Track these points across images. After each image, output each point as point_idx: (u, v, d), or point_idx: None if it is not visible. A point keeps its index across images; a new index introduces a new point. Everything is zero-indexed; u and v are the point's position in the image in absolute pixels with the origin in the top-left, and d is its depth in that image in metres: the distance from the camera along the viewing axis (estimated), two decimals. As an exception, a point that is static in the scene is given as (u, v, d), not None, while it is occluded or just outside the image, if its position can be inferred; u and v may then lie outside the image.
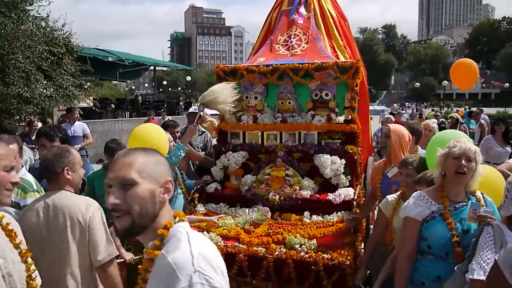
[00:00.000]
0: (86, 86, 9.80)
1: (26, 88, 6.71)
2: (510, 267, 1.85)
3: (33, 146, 4.38)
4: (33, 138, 5.82)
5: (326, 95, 4.68)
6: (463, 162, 2.56)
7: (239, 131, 4.77)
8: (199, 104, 4.67)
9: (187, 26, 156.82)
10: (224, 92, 4.41)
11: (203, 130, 6.47)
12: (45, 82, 7.52)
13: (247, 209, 4.09)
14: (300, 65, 4.57)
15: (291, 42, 5.03)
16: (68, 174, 2.57)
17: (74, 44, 9.23)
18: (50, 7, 8.27)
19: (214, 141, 5.55)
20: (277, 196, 4.16)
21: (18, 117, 7.01)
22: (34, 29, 7.52)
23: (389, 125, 4.10)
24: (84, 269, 2.47)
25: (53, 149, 2.69)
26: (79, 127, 8.12)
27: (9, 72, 6.38)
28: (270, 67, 4.62)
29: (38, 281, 1.99)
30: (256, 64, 4.79)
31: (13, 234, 1.91)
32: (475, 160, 2.59)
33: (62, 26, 8.89)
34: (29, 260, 1.94)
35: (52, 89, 7.82)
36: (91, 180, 4.03)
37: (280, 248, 3.37)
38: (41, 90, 7.21)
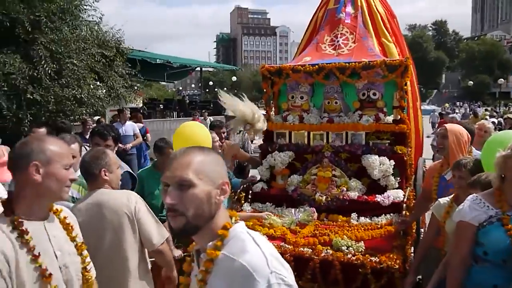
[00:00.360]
0: (135, 88, 10.13)
1: (80, 90, 7.03)
2: None
3: (87, 144, 4.57)
4: (87, 137, 6.09)
5: (374, 94, 4.58)
6: None
7: (285, 131, 4.76)
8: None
9: (233, 26, 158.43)
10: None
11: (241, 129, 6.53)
12: (98, 84, 7.86)
13: (293, 209, 4.08)
14: (347, 64, 4.50)
15: (338, 41, 4.96)
16: (105, 175, 2.65)
17: (124, 47, 9.57)
18: (102, 10, 8.64)
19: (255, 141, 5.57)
20: (324, 197, 4.11)
21: (72, 117, 7.35)
22: (88, 33, 7.86)
23: (445, 125, 3.92)
24: (137, 257, 2.57)
25: (90, 152, 2.79)
26: (130, 127, 8.42)
27: (65, 74, 6.71)
28: (316, 66, 4.58)
29: (93, 272, 2.07)
30: (301, 63, 4.77)
31: (70, 228, 2.00)
32: None
33: (111, 29, 9.26)
34: (85, 252, 2.03)
35: (104, 90, 8.15)
36: (140, 177, 4.16)
37: (326, 250, 3.33)
38: (94, 91, 7.53)
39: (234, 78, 55.98)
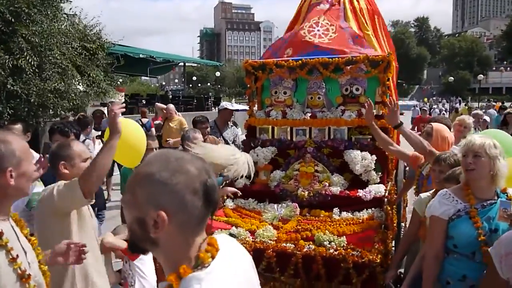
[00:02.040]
0: (119, 82, 10.00)
1: (62, 83, 6.93)
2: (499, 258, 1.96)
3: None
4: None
5: (357, 89, 4.60)
6: (470, 158, 2.51)
7: (268, 127, 4.75)
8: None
9: (217, 21, 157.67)
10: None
11: (232, 124, 6.52)
12: (79, 77, 7.73)
13: (275, 205, 4.07)
14: (330, 59, 4.50)
15: (318, 30, 4.94)
16: (65, 168, 2.60)
17: (105, 40, 9.44)
18: (82, 4, 8.50)
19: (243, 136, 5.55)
20: (306, 192, 4.12)
21: (53, 112, 7.22)
22: (69, 26, 7.73)
23: (432, 124, 4.00)
24: None
25: (56, 145, 2.76)
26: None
27: (46, 68, 6.59)
28: (300, 61, 4.57)
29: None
30: (285, 58, 4.75)
31: (22, 224, 1.96)
32: (486, 155, 2.47)
33: (91, 20, 9.13)
34: (38, 246, 1.99)
35: (86, 85, 8.03)
36: (124, 175, 4.12)
37: (309, 245, 3.34)
38: (76, 85, 7.42)
39: (218, 74, 55.80)
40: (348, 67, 4.48)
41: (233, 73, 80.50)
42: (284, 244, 3.38)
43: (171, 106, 8.87)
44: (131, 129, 3.69)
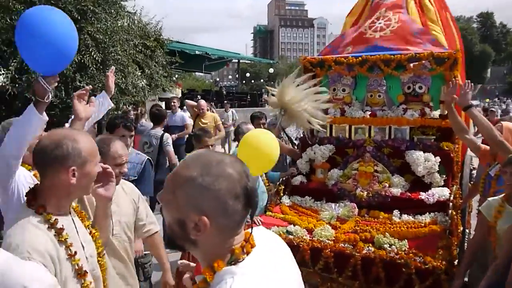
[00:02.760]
0: (174, 78, 10.24)
1: (123, 79, 7.18)
2: None
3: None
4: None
5: (420, 88, 4.41)
6: None
7: (326, 124, 4.67)
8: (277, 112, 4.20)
9: (270, 18, 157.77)
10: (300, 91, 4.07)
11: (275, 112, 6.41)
12: (139, 73, 7.99)
13: (333, 204, 4.00)
14: (392, 56, 4.35)
15: (380, 23, 4.78)
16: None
17: (164, 38, 9.70)
18: (141, 2, 8.76)
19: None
20: (365, 192, 4.01)
21: (115, 106, 7.52)
22: (131, 24, 8.01)
23: (502, 122, 3.76)
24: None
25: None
26: (179, 117, 8.27)
27: (109, 64, 6.86)
28: (360, 58, 4.45)
29: (106, 258, 2.12)
30: (344, 55, 4.65)
31: (83, 216, 2.02)
32: None
33: (151, 20, 9.40)
34: (98, 238, 2.03)
35: (145, 80, 8.27)
36: None
37: (368, 247, 3.24)
38: (136, 81, 7.65)
39: (271, 70, 55.85)
40: (411, 64, 4.31)
41: (286, 70, 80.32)
42: (342, 245, 3.31)
43: (203, 102, 8.52)
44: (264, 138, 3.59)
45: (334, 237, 3.43)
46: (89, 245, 1.92)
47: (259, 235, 1.29)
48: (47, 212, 1.76)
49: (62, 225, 1.77)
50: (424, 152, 4.06)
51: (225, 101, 17.15)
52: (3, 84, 6.64)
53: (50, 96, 2.38)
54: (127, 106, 8.00)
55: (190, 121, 8.41)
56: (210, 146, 4.53)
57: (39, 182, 1.89)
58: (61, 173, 1.74)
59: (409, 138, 4.30)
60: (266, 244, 1.29)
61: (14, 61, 6.00)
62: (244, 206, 1.17)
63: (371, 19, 4.90)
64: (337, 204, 4.00)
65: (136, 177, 3.64)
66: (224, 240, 1.19)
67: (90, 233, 1.97)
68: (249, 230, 1.24)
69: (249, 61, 58.81)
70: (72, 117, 2.76)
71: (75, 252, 1.78)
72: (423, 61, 4.26)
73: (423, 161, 4.01)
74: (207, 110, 8.30)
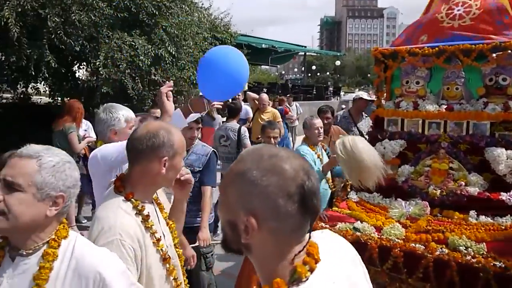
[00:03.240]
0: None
1: (195, 71, 7.48)
2: None
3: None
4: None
5: (504, 79, 4.08)
6: None
7: (397, 118, 4.48)
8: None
9: (338, 9, 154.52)
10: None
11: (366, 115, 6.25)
12: None
13: (403, 202, 3.83)
14: (473, 45, 4.05)
15: (459, 10, 4.47)
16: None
17: (233, 31, 9.88)
18: None
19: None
20: (438, 191, 3.80)
21: (186, 99, 7.79)
22: (202, 18, 8.26)
23: None
24: None
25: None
26: (244, 110, 8.24)
27: (181, 57, 7.14)
28: (436, 48, 4.20)
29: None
30: (419, 46, 4.41)
31: (162, 206, 2.07)
32: None
33: (221, 14, 9.61)
34: (175, 229, 2.09)
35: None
36: None
37: (441, 248, 3.07)
38: None
39: (338, 63, 54.79)
40: (494, 55, 3.99)
41: (353, 62, 78.38)
42: (413, 245, 3.15)
43: (265, 96, 8.30)
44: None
45: (404, 236, 3.29)
46: (168, 235, 1.98)
47: (323, 245, 1.13)
48: (135, 199, 1.83)
49: (148, 212, 1.84)
50: (506, 149, 3.76)
51: (288, 95, 16.03)
52: (86, 78, 7.11)
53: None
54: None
55: (252, 115, 8.43)
56: (273, 139, 4.52)
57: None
58: (153, 162, 1.81)
59: (489, 134, 4.00)
60: (332, 255, 1.13)
61: (98, 57, 6.38)
62: (300, 209, 1.01)
63: (448, 4, 4.59)
64: (408, 202, 3.82)
65: (200, 168, 3.72)
66: (281, 250, 1.05)
67: (167, 224, 2.03)
68: (312, 239, 1.10)
69: (315, 54, 58.14)
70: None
71: (160, 238, 1.85)
72: (509, 51, 3.94)
73: (505, 159, 3.72)
74: (268, 105, 8.09)
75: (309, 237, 1.09)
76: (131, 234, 1.72)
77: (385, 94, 4.78)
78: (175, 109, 2.57)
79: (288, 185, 1.01)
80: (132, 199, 1.82)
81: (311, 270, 1.04)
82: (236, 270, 4.26)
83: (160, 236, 1.87)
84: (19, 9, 5.67)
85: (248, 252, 1.09)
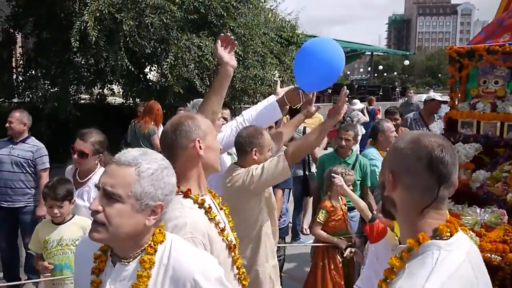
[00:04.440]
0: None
1: (261, 70, 7.58)
2: None
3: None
4: None
5: None
6: None
7: (472, 120, 4.23)
8: None
9: (407, 7, 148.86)
10: None
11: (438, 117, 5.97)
12: (276, 63, 8.32)
13: (478, 209, 3.61)
14: (561, 42, 3.74)
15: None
16: (255, 155, 2.71)
17: (299, 33, 9.91)
18: None
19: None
20: (518, 199, 3.55)
21: (252, 97, 7.93)
22: (270, 18, 8.37)
23: None
24: None
25: (247, 128, 2.82)
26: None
27: (248, 56, 7.29)
28: (519, 46, 3.92)
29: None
30: (499, 43, 4.14)
31: (215, 196, 2.09)
32: None
33: (288, 15, 9.67)
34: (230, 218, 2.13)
35: (281, 71, 8.57)
36: (321, 161, 4.27)
37: (520, 260, 2.87)
38: (272, 72, 7.99)
39: (406, 62, 52.73)
40: None
41: (423, 61, 75.13)
42: (489, 255, 2.97)
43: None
44: None
45: (478, 245, 3.10)
46: (226, 222, 2.02)
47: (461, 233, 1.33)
48: (194, 194, 1.88)
49: (209, 204, 1.89)
50: None
51: (349, 96, 16.20)
52: (157, 79, 7.44)
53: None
54: (260, 99, 8.40)
55: None
56: (345, 141, 4.45)
57: None
58: (189, 148, 1.86)
59: None
60: (468, 240, 1.34)
61: (167, 59, 6.66)
62: (427, 171, 1.25)
63: None
64: (483, 209, 3.60)
65: None
66: (416, 206, 1.28)
67: (221, 209, 2.07)
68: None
69: (382, 53, 56.47)
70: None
71: (224, 227, 1.90)
72: None
73: None
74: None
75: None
76: (200, 229, 1.77)
77: (459, 95, 4.54)
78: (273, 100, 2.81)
79: (420, 150, 1.27)
80: (191, 195, 1.86)
81: (451, 234, 1.26)
82: (300, 273, 4.28)
83: (224, 226, 1.91)
84: (97, 14, 6.02)
85: (394, 208, 1.33)
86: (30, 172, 4.52)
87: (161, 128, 6.44)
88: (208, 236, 1.79)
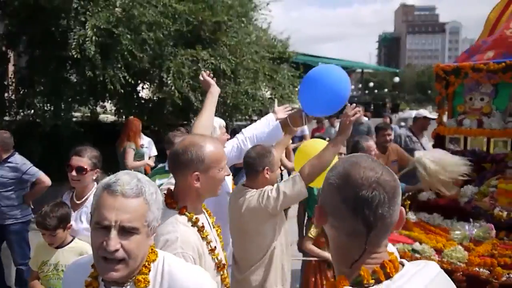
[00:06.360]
0: (297, 89, 10.49)
1: (253, 85, 7.69)
2: None
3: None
4: None
5: None
6: None
7: (459, 136, 4.33)
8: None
9: (397, 25, 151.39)
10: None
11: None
12: (267, 80, 8.42)
13: (466, 224, 3.67)
14: (543, 61, 3.86)
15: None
16: (267, 173, 2.70)
17: (290, 51, 10.04)
18: (268, 17, 9.25)
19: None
20: (505, 213, 3.60)
21: (244, 112, 7.96)
22: (261, 36, 8.50)
23: None
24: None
25: (256, 148, 2.80)
26: (300, 128, 8.34)
27: (239, 73, 7.42)
28: (503, 64, 4.04)
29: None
30: (484, 61, 4.26)
31: (209, 213, 2.13)
32: None
33: (280, 34, 9.83)
34: (220, 236, 2.14)
35: (271, 88, 8.66)
36: None
37: (508, 274, 2.91)
38: (262, 90, 8.09)
39: (396, 79, 53.34)
40: None
41: (414, 78, 76.05)
42: (477, 269, 3.01)
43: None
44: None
45: (467, 259, 3.15)
46: (218, 241, 2.05)
47: (416, 271, 1.10)
48: (189, 212, 1.92)
49: (202, 223, 1.93)
50: None
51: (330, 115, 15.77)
52: (148, 96, 7.48)
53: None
54: (251, 116, 8.43)
55: (308, 133, 8.41)
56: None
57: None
58: (186, 177, 1.89)
59: (562, 154, 3.77)
60: (417, 283, 1.08)
61: (162, 74, 6.67)
62: (353, 215, 1.06)
63: None
64: (471, 224, 3.66)
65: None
66: (342, 247, 1.13)
67: (216, 231, 2.09)
68: (405, 262, 1.12)
69: (372, 70, 57.14)
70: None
71: (215, 247, 1.93)
72: None
73: None
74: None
75: (385, 251, 1.13)
76: (191, 244, 1.81)
77: (446, 112, 4.63)
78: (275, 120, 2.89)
79: (346, 190, 1.09)
80: (186, 213, 1.91)
81: (378, 281, 1.06)
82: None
83: (215, 246, 1.94)
84: (95, 29, 6.03)
85: (326, 240, 1.24)
86: (17, 190, 4.48)
87: (145, 144, 6.29)
88: (198, 252, 1.83)
